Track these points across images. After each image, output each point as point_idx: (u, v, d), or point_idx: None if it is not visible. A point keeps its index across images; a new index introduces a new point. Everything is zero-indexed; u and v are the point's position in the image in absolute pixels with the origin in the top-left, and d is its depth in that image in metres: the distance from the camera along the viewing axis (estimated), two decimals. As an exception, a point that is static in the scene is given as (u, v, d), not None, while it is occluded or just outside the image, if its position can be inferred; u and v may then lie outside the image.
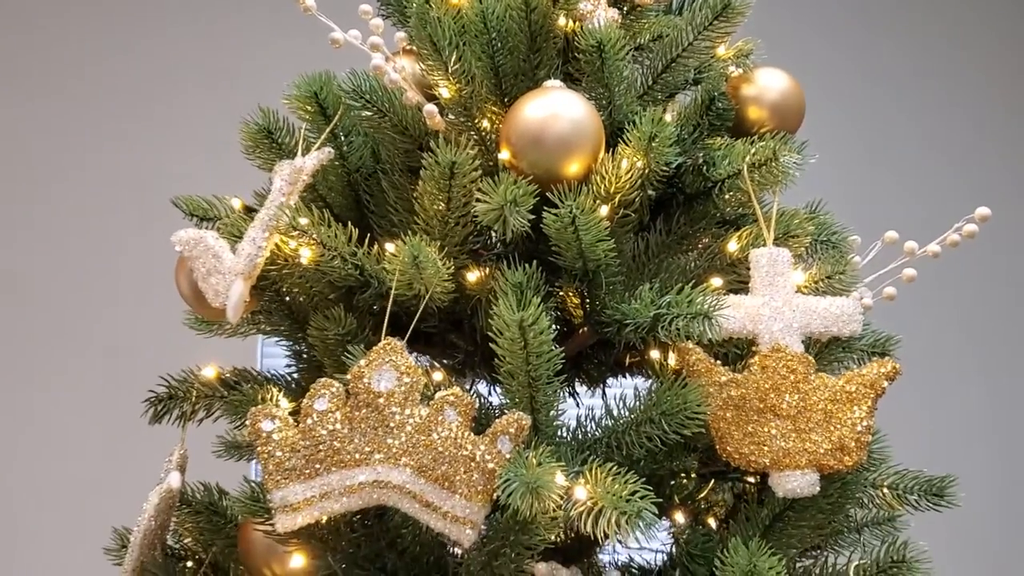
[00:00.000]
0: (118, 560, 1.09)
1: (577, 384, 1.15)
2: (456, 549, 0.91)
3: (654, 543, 1.00)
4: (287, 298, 1.08)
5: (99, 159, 2.41)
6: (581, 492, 0.82)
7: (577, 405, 1.11)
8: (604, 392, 1.11)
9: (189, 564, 1.05)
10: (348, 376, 0.87)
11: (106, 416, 1.78)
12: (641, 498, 0.79)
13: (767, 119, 1.13)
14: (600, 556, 1.07)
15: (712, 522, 0.96)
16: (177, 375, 1.12)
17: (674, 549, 0.94)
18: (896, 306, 1.08)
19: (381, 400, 0.86)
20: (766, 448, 0.88)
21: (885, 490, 1.08)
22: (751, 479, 1.04)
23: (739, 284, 1.01)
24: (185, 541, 1.09)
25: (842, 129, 2.52)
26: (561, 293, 1.05)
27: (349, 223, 0.97)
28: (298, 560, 0.88)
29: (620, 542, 0.98)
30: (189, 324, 1.25)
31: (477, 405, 0.87)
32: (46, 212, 2.38)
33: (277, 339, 1.19)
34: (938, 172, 2.64)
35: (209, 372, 1.10)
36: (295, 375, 1.13)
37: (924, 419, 2.33)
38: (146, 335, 1.73)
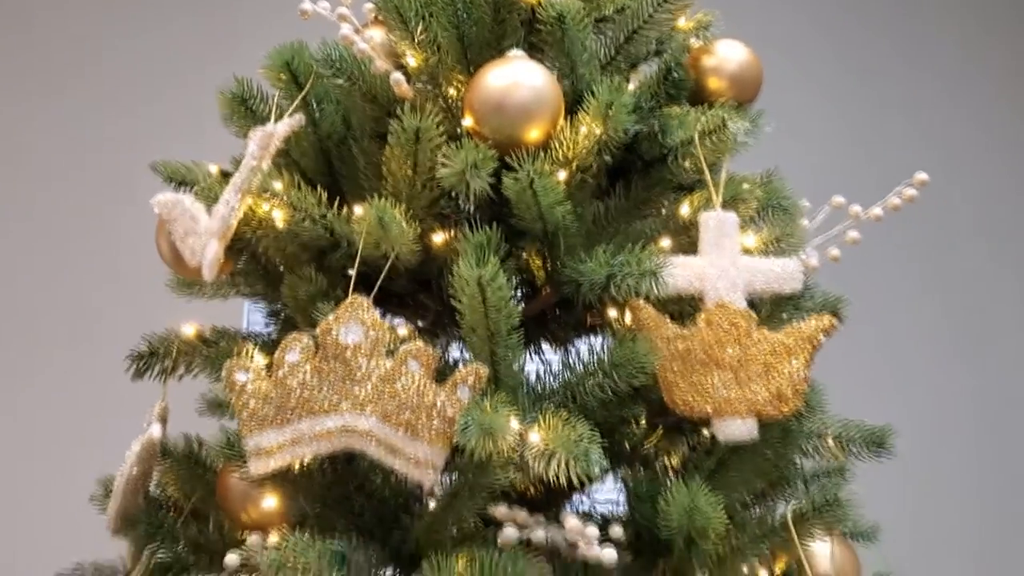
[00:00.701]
0: (103, 507, 1.14)
1: (543, 344, 1.21)
2: (421, 492, 0.97)
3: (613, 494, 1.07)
4: (262, 260, 1.13)
5: (82, 131, 2.45)
6: (535, 437, 0.88)
7: (542, 363, 1.17)
8: (567, 351, 1.17)
9: (171, 512, 1.10)
10: (317, 330, 0.92)
11: (92, 376, 1.83)
12: (589, 442, 0.85)
13: (726, 89, 1.18)
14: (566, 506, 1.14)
15: (662, 468, 1.02)
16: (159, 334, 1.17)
17: (623, 494, 1.00)
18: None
19: (348, 352, 0.91)
20: (709, 397, 0.94)
21: (830, 441, 1.14)
22: (706, 432, 1.10)
23: (692, 246, 1.07)
24: (168, 490, 1.14)
25: (808, 99, 2.56)
26: (524, 255, 1.10)
27: (320, 187, 1.02)
28: (271, 502, 0.94)
29: (583, 489, 1.04)
30: (171, 287, 1.31)
31: (438, 357, 0.92)
32: (29, 178, 2.42)
33: (254, 299, 1.24)
34: (905, 140, 2.68)
35: (189, 330, 1.15)
36: (272, 333, 1.19)
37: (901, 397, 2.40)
38: (132, 300, 1.77)
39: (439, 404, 0.90)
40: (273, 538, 0.90)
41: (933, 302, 2.58)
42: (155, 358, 1.15)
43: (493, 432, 0.83)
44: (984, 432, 2.51)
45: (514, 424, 0.86)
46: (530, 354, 1.15)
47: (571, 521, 0.90)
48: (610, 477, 1.07)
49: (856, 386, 1.50)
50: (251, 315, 2.30)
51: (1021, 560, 2.41)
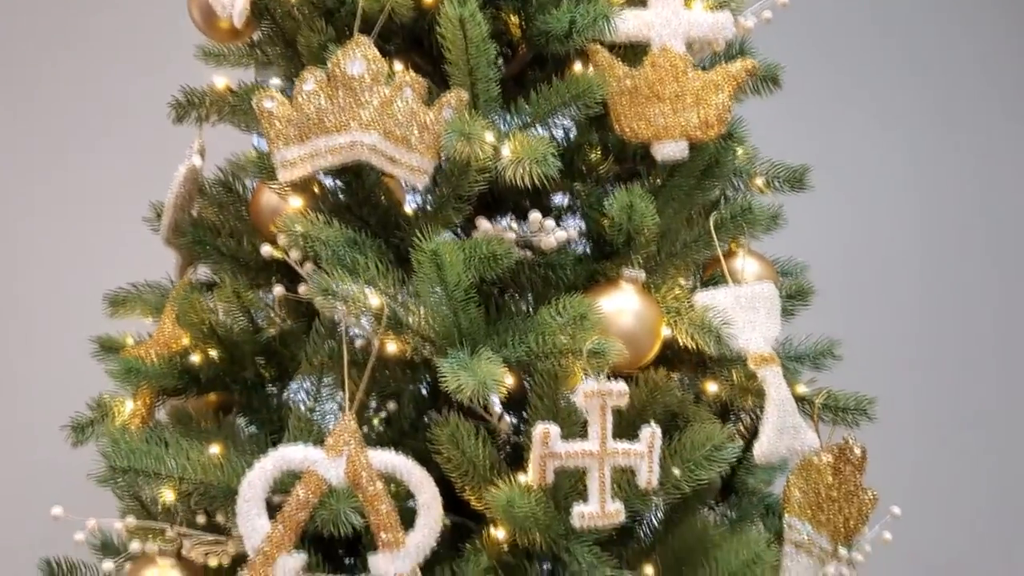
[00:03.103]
0: (155, 226, 1.38)
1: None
2: (413, 200, 1.20)
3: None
4: (280, 21, 1.32)
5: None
6: (506, 150, 1.09)
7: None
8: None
9: (211, 232, 1.33)
10: (328, 65, 1.12)
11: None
12: (548, 150, 1.06)
13: None
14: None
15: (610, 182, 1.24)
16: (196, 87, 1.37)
17: (577, 201, 1.22)
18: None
19: (354, 82, 1.12)
20: (650, 124, 1.15)
21: (758, 180, 1.36)
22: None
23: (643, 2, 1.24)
24: (207, 220, 1.37)
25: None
26: (503, 16, 1.28)
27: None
28: (296, 201, 1.16)
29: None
30: (199, 57, 1.50)
31: (427, 86, 1.13)
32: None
33: (269, 71, 1.43)
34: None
35: (220, 82, 1.34)
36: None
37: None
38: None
39: (428, 122, 1.11)
40: (296, 202, 1.14)
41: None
42: (191, 106, 1.36)
43: (470, 137, 1.05)
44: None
45: (489, 136, 1.08)
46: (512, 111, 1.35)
47: (533, 215, 1.13)
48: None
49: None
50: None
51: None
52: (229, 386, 1.30)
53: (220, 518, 1.31)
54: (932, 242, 2.65)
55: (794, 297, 1.36)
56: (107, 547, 1.35)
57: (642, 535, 1.30)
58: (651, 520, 1.33)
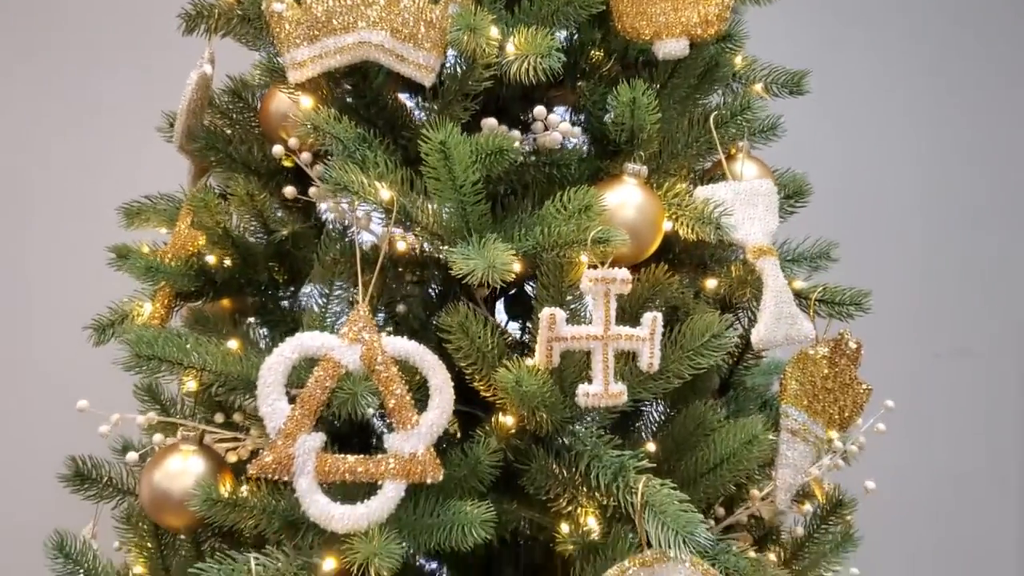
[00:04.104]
0: (168, 136, 1.41)
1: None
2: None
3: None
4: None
5: None
6: (511, 46, 1.12)
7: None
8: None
9: (223, 139, 1.36)
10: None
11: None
12: (552, 44, 1.09)
13: None
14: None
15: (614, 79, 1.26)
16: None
17: (580, 100, 1.25)
18: None
19: (361, -19, 1.14)
20: (651, 22, 1.18)
21: (757, 86, 1.39)
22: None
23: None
24: (217, 128, 1.40)
25: None
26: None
27: None
28: (306, 101, 1.19)
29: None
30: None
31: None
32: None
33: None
34: None
35: (228, -8, 1.37)
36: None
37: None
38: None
39: (434, 19, 1.13)
40: (307, 102, 1.17)
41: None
42: (201, 18, 1.38)
43: (476, 29, 1.07)
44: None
45: (494, 31, 1.10)
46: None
47: (538, 108, 1.16)
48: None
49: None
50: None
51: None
52: (243, 289, 1.34)
53: (237, 417, 1.36)
54: (931, 155, 2.66)
55: (791, 197, 1.39)
56: (128, 449, 1.41)
57: (643, 426, 1.36)
58: (652, 413, 1.39)
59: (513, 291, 1.45)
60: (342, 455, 1.09)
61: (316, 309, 1.28)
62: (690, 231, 1.17)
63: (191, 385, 1.18)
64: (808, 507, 1.42)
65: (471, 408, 1.23)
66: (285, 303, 1.38)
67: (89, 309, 1.42)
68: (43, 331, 2.22)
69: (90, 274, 1.54)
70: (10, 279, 2.26)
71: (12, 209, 2.27)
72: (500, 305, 1.44)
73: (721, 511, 1.39)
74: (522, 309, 1.43)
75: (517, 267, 1.04)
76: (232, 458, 1.26)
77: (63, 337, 1.65)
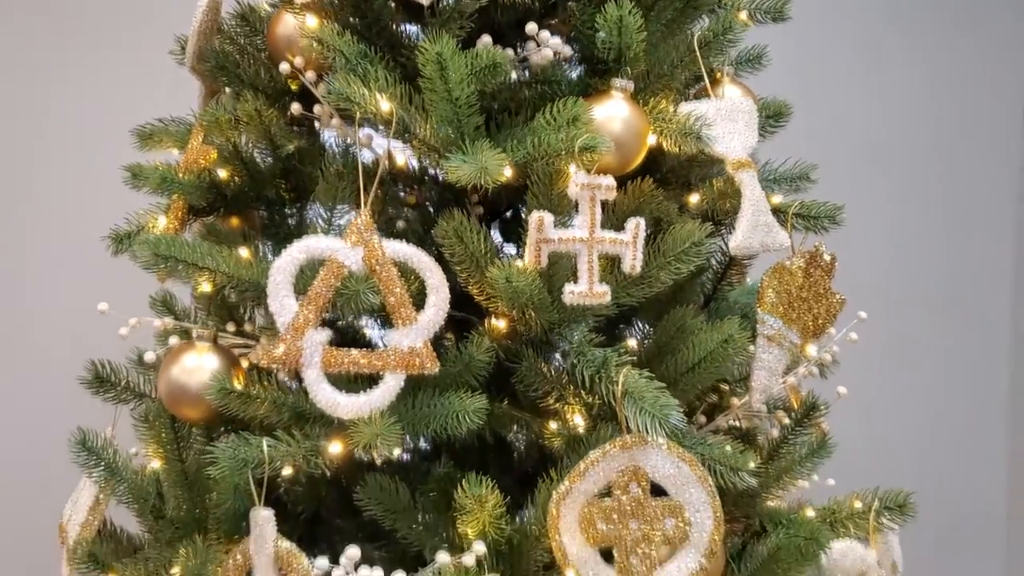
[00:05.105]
0: (180, 59, 1.48)
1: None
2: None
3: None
4: None
5: None
6: (504, -33, 1.19)
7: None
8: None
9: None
10: None
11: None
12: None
13: None
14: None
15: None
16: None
17: (571, 20, 1.32)
18: None
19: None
20: (638, -55, 1.24)
21: (742, 14, 1.45)
22: None
23: None
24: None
25: None
26: None
27: None
28: (312, 20, 1.26)
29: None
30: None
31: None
32: None
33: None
34: None
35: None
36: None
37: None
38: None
39: (433, -60, 1.20)
40: (312, 21, 1.24)
41: None
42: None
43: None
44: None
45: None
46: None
47: (529, 25, 1.23)
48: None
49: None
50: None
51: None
52: (252, 204, 1.42)
53: (248, 327, 1.45)
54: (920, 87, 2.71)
55: (772, 118, 1.46)
56: (142, 363, 1.49)
57: (627, 335, 1.44)
58: (637, 326, 1.47)
59: (508, 212, 1.52)
60: (346, 349, 1.17)
61: (321, 223, 1.36)
62: (673, 144, 1.24)
63: (206, 287, 1.25)
64: (787, 419, 1.51)
65: (464, 314, 1.31)
66: (291, 221, 1.46)
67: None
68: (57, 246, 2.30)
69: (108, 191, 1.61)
70: (28, 193, 2.33)
71: (25, 136, 2.34)
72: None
73: (703, 419, 1.48)
74: (517, 232, 1.51)
75: (508, 171, 1.12)
76: (244, 363, 1.34)
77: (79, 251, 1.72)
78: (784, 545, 1.28)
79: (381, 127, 1.24)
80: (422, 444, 1.50)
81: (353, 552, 1.15)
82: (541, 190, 1.21)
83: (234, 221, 1.47)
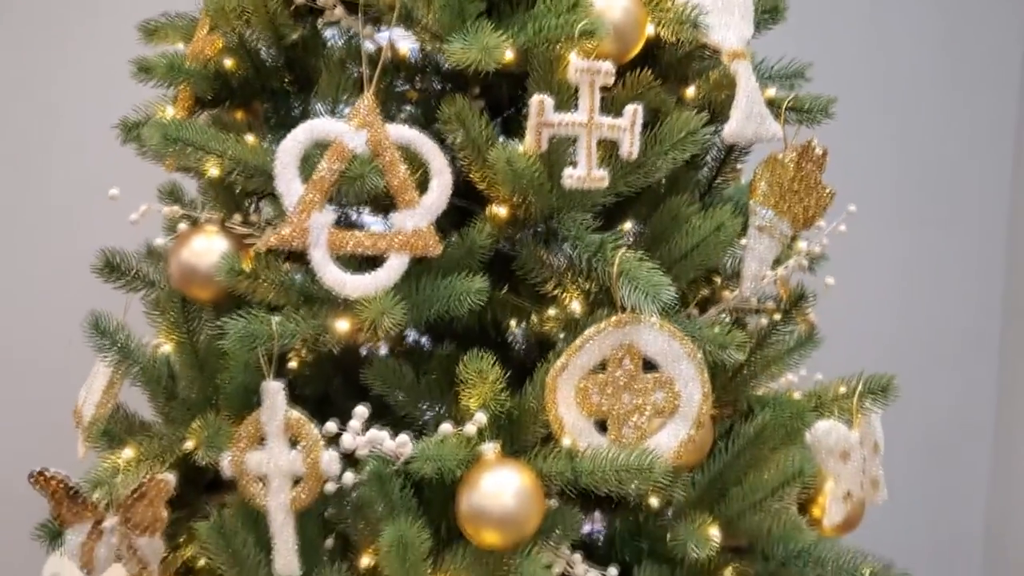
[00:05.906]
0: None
1: None
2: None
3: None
4: None
5: None
6: None
7: None
8: None
9: None
10: None
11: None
12: None
13: None
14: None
15: None
16: None
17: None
18: None
19: None
20: None
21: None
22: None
23: None
24: None
25: None
26: None
27: None
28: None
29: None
30: None
31: None
32: None
33: None
34: None
35: None
36: None
37: None
38: None
39: None
40: None
41: None
42: None
43: None
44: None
45: None
46: None
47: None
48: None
49: None
50: None
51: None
52: (258, 94, 1.44)
53: (254, 218, 1.49)
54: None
55: (767, 13, 1.48)
56: (152, 253, 1.53)
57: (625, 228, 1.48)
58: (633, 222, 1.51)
59: (511, 111, 1.55)
60: (351, 230, 1.21)
61: (323, 113, 1.38)
62: (671, 33, 1.26)
63: (214, 171, 1.29)
64: (776, 314, 1.56)
65: (467, 202, 1.35)
66: (296, 112, 1.49)
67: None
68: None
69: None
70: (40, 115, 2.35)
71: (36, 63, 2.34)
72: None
73: (695, 311, 1.53)
74: (518, 129, 1.54)
75: (510, 53, 1.14)
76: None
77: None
78: (770, 423, 1.34)
79: (383, 16, 1.26)
80: (424, 340, 1.55)
81: (362, 410, 1.20)
82: (542, 76, 1.23)
83: (239, 114, 1.50)
